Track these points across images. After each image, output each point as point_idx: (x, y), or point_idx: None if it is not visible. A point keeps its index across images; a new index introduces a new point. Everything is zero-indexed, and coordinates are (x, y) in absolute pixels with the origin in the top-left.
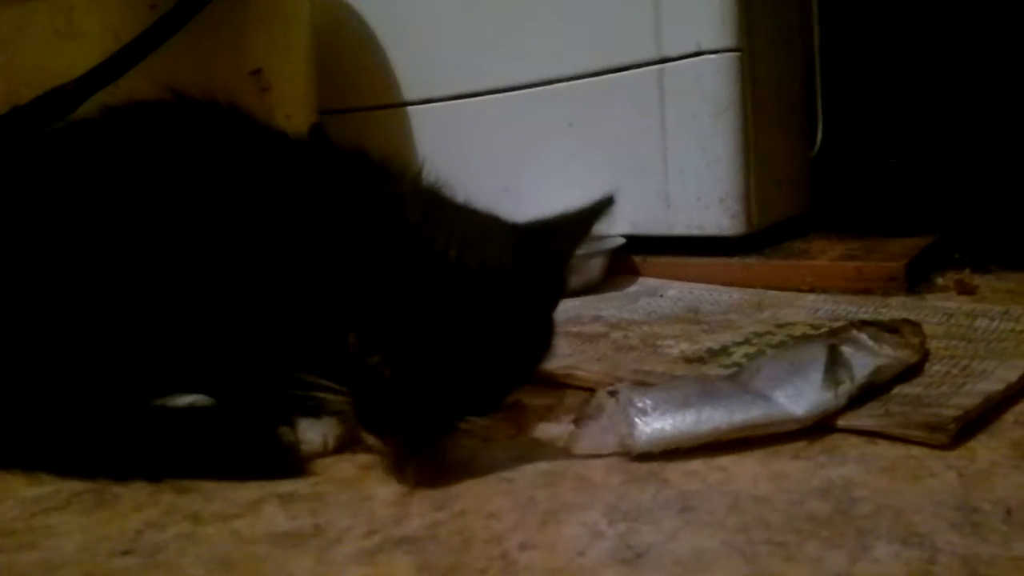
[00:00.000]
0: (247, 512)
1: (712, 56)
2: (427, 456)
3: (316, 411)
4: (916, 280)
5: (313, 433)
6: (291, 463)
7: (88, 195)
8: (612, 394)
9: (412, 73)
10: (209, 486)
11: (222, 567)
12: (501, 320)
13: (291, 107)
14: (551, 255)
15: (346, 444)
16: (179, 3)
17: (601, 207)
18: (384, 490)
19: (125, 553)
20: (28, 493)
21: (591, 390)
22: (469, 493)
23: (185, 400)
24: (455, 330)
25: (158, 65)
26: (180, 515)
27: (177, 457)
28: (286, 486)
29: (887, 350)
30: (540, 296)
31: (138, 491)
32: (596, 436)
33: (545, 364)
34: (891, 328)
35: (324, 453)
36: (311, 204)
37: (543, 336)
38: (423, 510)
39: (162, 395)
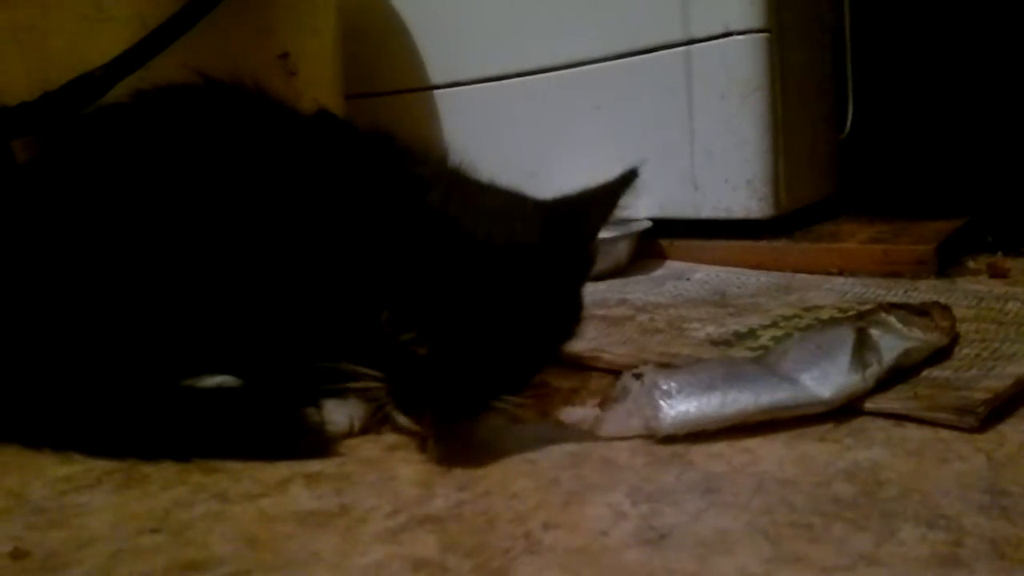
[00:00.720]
0: (273, 491)
1: (740, 37)
2: (456, 435)
3: (342, 392)
4: (946, 263)
5: (339, 414)
6: (317, 443)
7: (121, 179)
8: (637, 376)
9: (439, 57)
10: (236, 466)
11: (248, 545)
12: (531, 295)
13: (318, 91)
14: (578, 230)
15: (371, 425)
16: None
17: (626, 180)
18: (409, 470)
19: (153, 531)
20: (59, 472)
21: (617, 373)
22: (493, 474)
23: (213, 381)
24: (486, 306)
25: (186, 50)
26: (207, 494)
27: (205, 437)
28: (312, 466)
29: (916, 333)
30: (569, 271)
31: (166, 470)
32: (621, 418)
33: (575, 339)
34: (920, 311)
35: (350, 434)
36: (338, 186)
37: (572, 311)
38: (447, 490)
39: (191, 376)
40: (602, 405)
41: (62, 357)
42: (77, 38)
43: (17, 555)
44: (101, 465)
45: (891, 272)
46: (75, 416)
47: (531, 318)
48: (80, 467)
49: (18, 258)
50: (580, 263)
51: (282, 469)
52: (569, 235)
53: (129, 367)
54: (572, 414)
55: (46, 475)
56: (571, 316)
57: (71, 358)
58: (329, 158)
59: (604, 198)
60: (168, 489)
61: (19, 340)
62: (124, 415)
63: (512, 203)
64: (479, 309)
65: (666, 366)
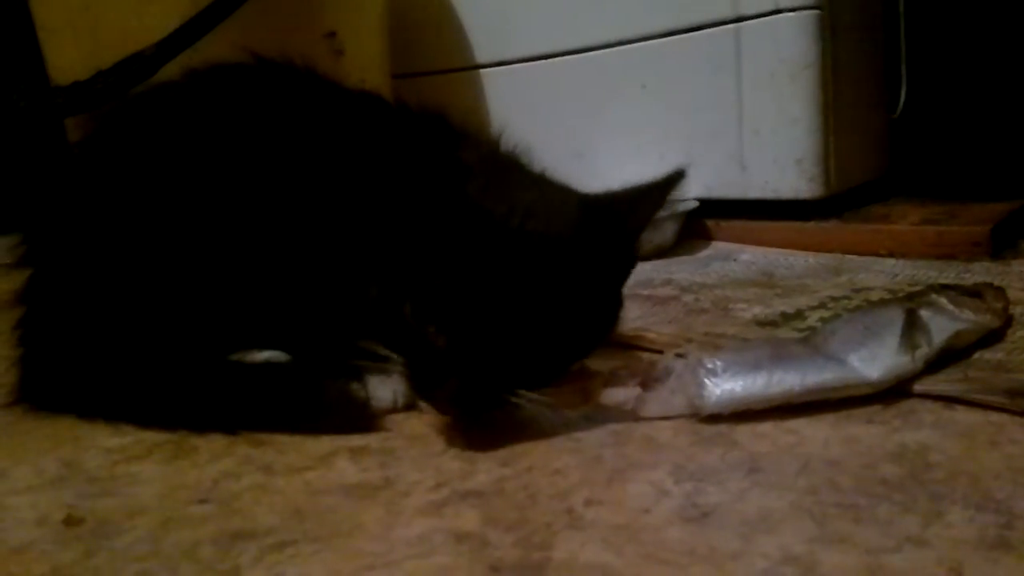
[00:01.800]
0: (319, 464)
1: (791, 14)
2: (479, 423)
3: (387, 369)
4: (1001, 246)
5: (383, 390)
6: (363, 418)
7: (174, 159)
8: (680, 356)
9: (485, 36)
10: (282, 439)
11: (294, 516)
12: (560, 291)
13: (365, 71)
14: (618, 227)
15: (414, 402)
16: None
17: (672, 181)
18: (452, 446)
19: (202, 501)
20: (111, 443)
21: (660, 352)
22: (536, 450)
23: (261, 356)
24: (510, 300)
25: (235, 28)
26: (254, 466)
27: (253, 410)
28: (357, 440)
29: (967, 314)
30: (605, 268)
31: (215, 443)
32: (664, 398)
33: (608, 338)
34: (973, 292)
35: (394, 410)
36: (379, 171)
37: (608, 310)
38: (490, 466)
39: (239, 350)
40: (644, 385)
41: (115, 332)
42: (128, 18)
43: (70, 522)
44: (152, 437)
45: (944, 255)
46: (127, 389)
47: (560, 315)
48: (132, 438)
49: (73, 236)
50: (620, 261)
51: (327, 443)
52: (607, 231)
53: (179, 341)
54: (614, 395)
55: (99, 446)
56: (607, 316)
57: (124, 333)
58: (374, 143)
59: (648, 197)
60: (216, 461)
61: (74, 315)
62: (174, 388)
63: (553, 195)
64: (500, 303)
65: (711, 346)
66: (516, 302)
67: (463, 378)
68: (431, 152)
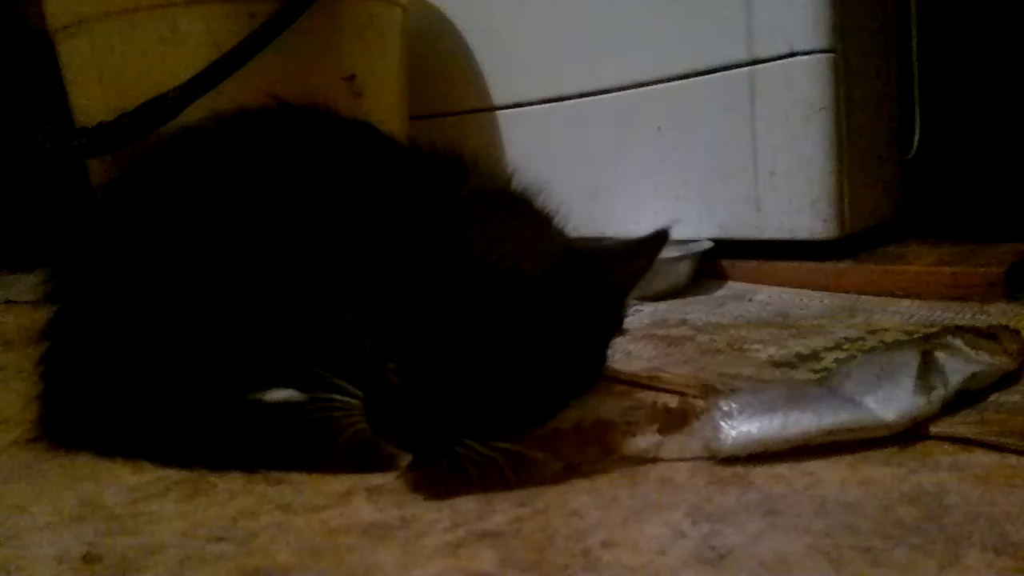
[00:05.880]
0: (336, 503)
1: (805, 57)
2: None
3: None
4: (1017, 287)
5: None
6: (380, 458)
7: (197, 201)
8: (697, 398)
9: (502, 78)
10: (300, 478)
11: (311, 555)
12: (522, 335)
13: (384, 112)
14: (598, 278)
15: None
16: (277, 12)
17: (658, 239)
18: (469, 485)
19: (220, 539)
20: (131, 480)
21: (676, 392)
22: (552, 490)
23: (279, 395)
24: (465, 338)
25: (257, 71)
26: (272, 505)
27: (271, 450)
28: (374, 480)
29: (983, 356)
30: (580, 319)
31: (233, 481)
32: (681, 440)
33: (582, 397)
34: (988, 334)
35: None
36: (380, 208)
37: (584, 365)
38: (507, 505)
39: (257, 390)
40: (662, 430)
41: (135, 372)
42: (153, 61)
43: (90, 559)
44: (171, 475)
45: (959, 295)
46: (147, 427)
47: (521, 362)
48: (151, 476)
49: (98, 275)
50: (600, 315)
51: (344, 482)
52: (584, 280)
53: (198, 380)
54: (635, 444)
55: (118, 483)
56: (583, 372)
57: (144, 373)
58: (380, 184)
59: (635, 254)
60: (234, 499)
61: (96, 353)
62: (193, 427)
63: (538, 236)
64: (455, 343)
65: (727, 388)
66: (472, 342)
67: (411, 421)
68: (427, 188)
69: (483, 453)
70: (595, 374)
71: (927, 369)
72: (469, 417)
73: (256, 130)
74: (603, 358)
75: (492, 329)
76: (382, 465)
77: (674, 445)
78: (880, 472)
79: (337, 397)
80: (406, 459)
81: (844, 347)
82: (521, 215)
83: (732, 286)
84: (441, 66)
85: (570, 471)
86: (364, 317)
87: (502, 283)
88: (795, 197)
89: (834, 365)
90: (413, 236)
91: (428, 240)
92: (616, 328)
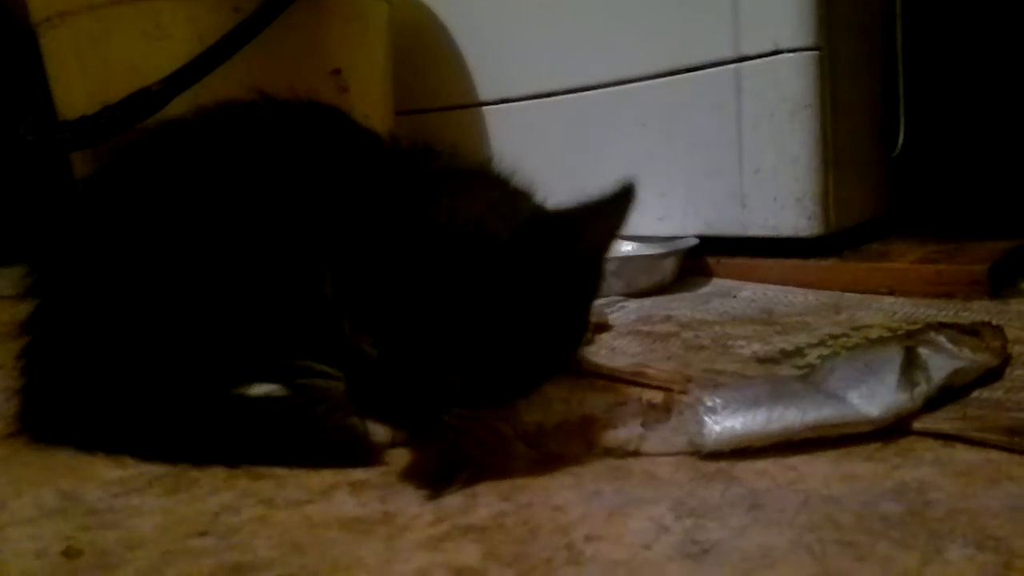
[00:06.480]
0: (319, 498)
1: (790, 55)
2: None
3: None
4: (1000, 284)
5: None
6: (363, 452)
7: (179, 195)
8: (682, 394)
9: (488, 73)
10: (283, 472)
11: (294, 550)
12: (496, 298)
13: (369, 107)
14: (570, 237)
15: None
16: (262, 6)
17: (625, 194)
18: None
19: (202, 534)
20: (112, 475)
21: (660, 388)
22: (535, 485)
23: (262, 389)
24: (436, 303)
25: (242, 65)
26: (254, 499)
27: (253, 444)
28: (357, 474)
29: (966, 353)
30: (555, 279)
31: (215, 476)
32: (665, 435)
33: (570, 359)
34: (971, 331)
35: (393, 444)
36: (355, 193)
37: (565, 328)
38: (490, 499)
39: (240, 384)
40: (645, 424)
41: (117, 365)
42: (136, 54)
43: (70, 553)
44: (152, 469)
45: (943, 293)
46: (128, 422)
47: (496, 325)
48: (132, 471)
49: (79, 269)
50: (577, 276)
51: (327, 476)
52: (556, 240)
53: (180, 375)
54: (616, 436)
55: (99, 478)
56: (564, 335)
57: (125, 367)
58: (358, 174)
59: (605, 211)
60: (216, 494)
61: (77, 347)
62: (175, 422)
63: (509, 203)
64: (426, 308)
65: (711, 383)
66: (444, 306)
67: (391, 392)
68: (398, 168)
69: (467, 419)
70: (577, 338)
71: (910, 365)
72: (449, 385)
73: (236, 123)
74: (585, 323)
75: (464, 291)
76: (365, 459)
77: (658, 440)
78: (863, 467)
79: (320, 382)
80: (389, 453)
81: (828, 343)
82: (492, 186)
83: (717, 283)
84: (427, 61)
85: (554, 465)
86: (340, 295)
87: (470, 245)
88: (780, 194)
89: (818, 361)
90: (382, 210)
91: (396, 212)
92: (596, 288)
